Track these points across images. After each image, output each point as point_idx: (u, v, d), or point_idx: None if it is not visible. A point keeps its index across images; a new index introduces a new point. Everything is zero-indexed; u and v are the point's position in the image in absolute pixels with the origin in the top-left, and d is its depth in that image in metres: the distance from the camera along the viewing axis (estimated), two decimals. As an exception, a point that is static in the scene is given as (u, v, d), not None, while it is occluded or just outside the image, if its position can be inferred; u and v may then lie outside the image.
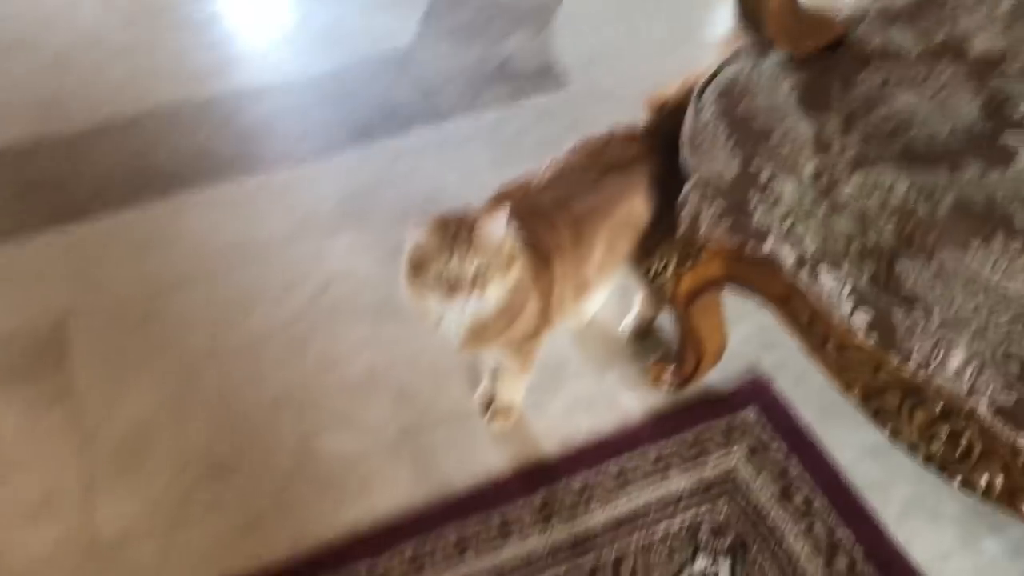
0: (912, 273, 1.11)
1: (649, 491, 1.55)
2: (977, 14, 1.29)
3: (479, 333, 1.41)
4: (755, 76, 1.28)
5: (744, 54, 1.32)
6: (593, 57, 2.51)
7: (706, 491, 1.55)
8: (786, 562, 1.45)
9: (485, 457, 1.63)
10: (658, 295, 1.53)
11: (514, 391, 1.63)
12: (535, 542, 1.50)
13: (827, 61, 1.27)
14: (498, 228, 1.33)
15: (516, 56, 2.53)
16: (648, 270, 1.52)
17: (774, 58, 1.29)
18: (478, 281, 1.32)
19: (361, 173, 2.19)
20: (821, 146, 1.18)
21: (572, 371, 1.75)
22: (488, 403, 1.67)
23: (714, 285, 1.47)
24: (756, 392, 1.67)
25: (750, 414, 1.64)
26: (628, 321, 1.79)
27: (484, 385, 1.68)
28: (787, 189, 1.21)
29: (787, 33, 1.26)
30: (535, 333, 1.50)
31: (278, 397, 1.75)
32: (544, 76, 2.46)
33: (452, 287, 1.31)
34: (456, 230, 1.31)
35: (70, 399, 1.76)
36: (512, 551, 1.49)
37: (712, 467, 1.58)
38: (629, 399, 1.69)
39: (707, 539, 1.49)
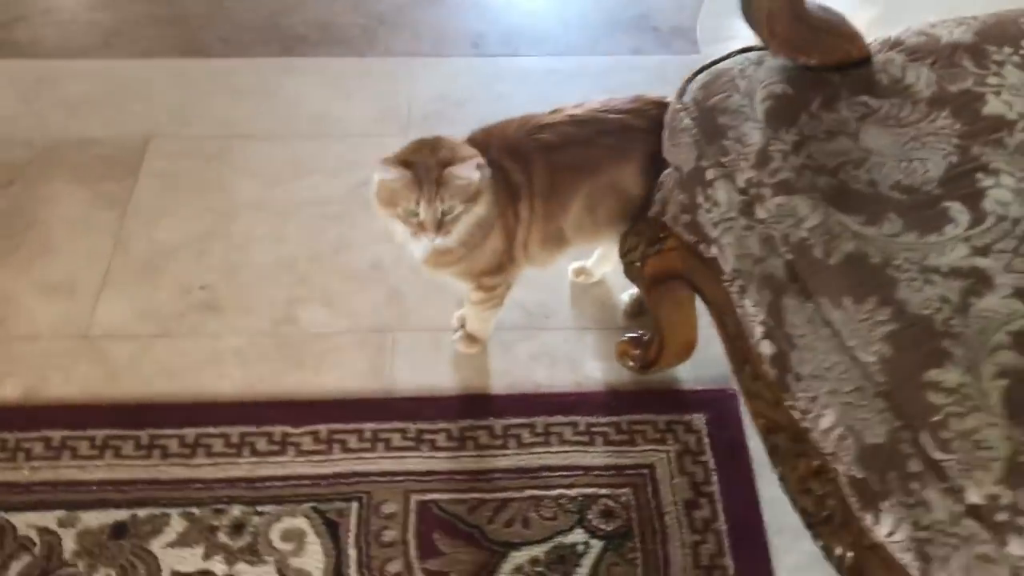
0: (792, 313, 1.08)
1: (562, 456, 1.58)
2: (1016, 74, 1.18)
3: (439, 258, 1.47)
4: (744, 75, 1.24)
5: (751, 52, 1.28)
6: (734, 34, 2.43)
7: (616, 474, 1.55)
8: (658, 566, 1.45)
9: (436, 373, 1.70)
10: (627, 272, 1.53)
11: (479, 322, 1.68)
12: (438, 463, 1.56)
13: (826, 79, 1.21)
14: (468, 175, 1.36)
15: (658, 10, 2.49)
16: (623, 244, 1.51)
17: (773, 63, 1.24)
18: (443, 225, 1.37)
19: (457, 82, 2.26)
20: (761, 160, 1.14)
21: (554, 323, 1.78)
22: (461, 325, 1.72)
23: (675, 277, 1.45)
24: (715, 401, 1.65)
25: (698, 420, 1.63)
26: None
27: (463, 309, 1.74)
28: (721, 195, 1.18)
29: (786, 41, 1.21)
30: (496, 269, 1.54)
31: (286, 259, 1.88)
32: (678, 37, 2.41)
33: (419, 226, 1.38)
34: (426, 170, 1.35)
35: (121, 208, 1.97)
36: (415, 462, 1.56)
37: (633, 456, 1.58)
38: (593, 367, 1.71)
39: (594, 517, 1.50)
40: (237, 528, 1.49)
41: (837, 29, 1.22)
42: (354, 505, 1.52)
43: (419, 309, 1.80)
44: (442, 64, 2.33)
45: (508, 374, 1.70)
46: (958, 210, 1.04)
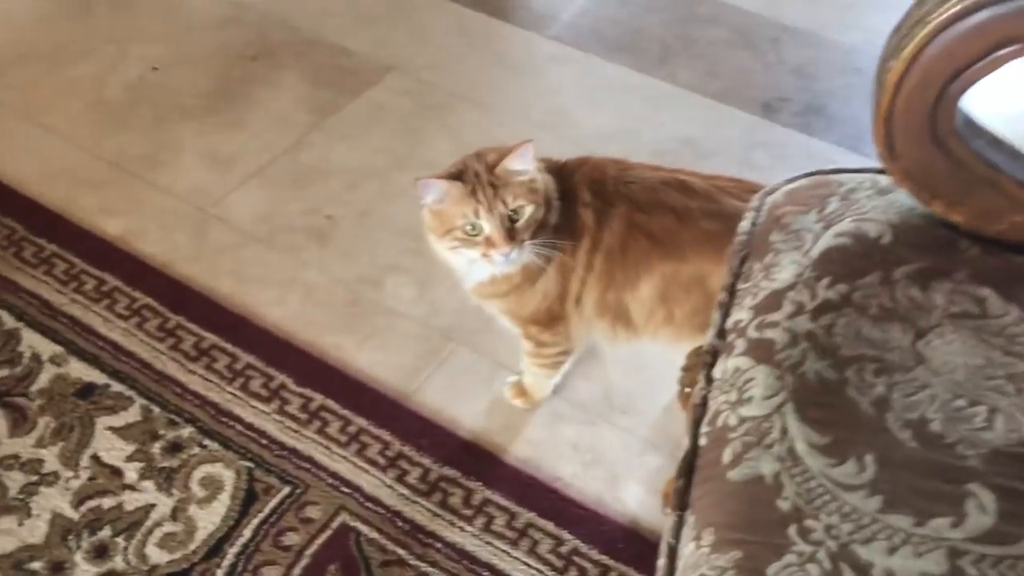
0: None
1: (520, 567, 1.30)
2: None
3: (489, 283, 1.26)
4: (848, 197, 0.88)
5: (885, 176, 0.91)
6: None
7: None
8: None
9: (465, 406, 1.49)
10: (679, 396, 1.20)
11: (532, 377, 1.44)
12: (390, 496, 1.37)
13: (956, 248, 0.82)
14: (523, 164, 1.15)
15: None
16: (686, 360, 1.19)
17: (900, 198, 0.87)
18: (515, 233, 1.18)
19: (718, 132, 1.97)
20: (768, 303, 0.80)
21: (624, 423, 1.48)
22: (520, 372, 1.49)
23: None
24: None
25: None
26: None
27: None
28: (712, 330, 0.85)
29: (910, 170, 0.83)
30: (547, 321, 1.29)
31: (416, 227, 1.75)
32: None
33: (486, 243, 1.19)
34: (476, 175, 1.18)
35: (321, 117, 1.99)
36: (371, 482, 1.38)
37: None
38: (631, 493, 1.40)
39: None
40: (174, 448, 1.41)
41: (1007, 186, 0.82)
42: (285, 489, 1.36)
43: (500, 335, 1.58)
44: (717, 110, 2.04)
45: (535, 447, 1.44)
46: (981, 502, 0.63)
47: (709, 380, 0.77)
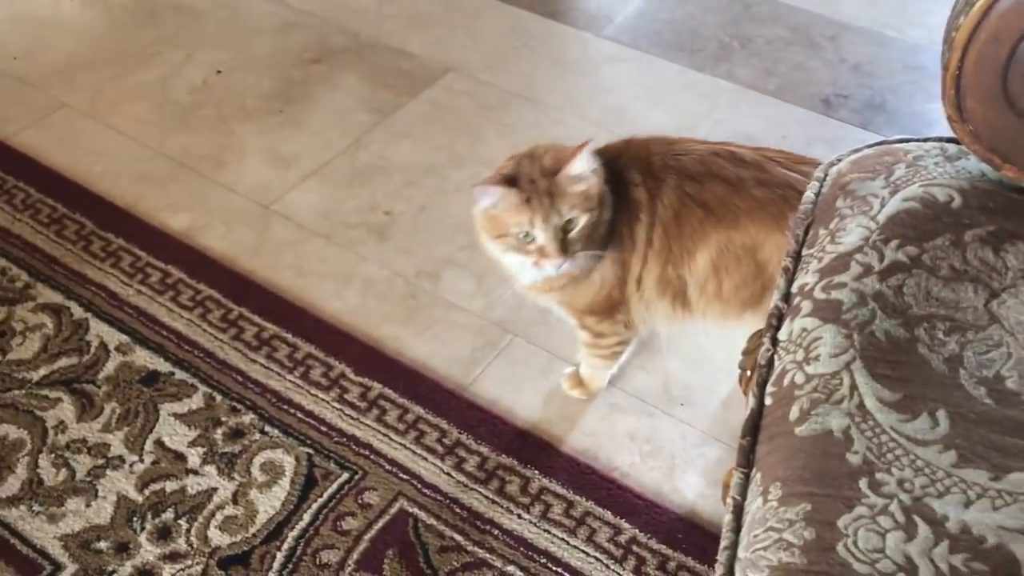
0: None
1: (578, 555, 1.29)
2: None
3: (543, 282, 1.26)
4: (916, 164, 0.87)
5: (954, 144, 0.89)
6: None
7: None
8: None
9: (522, 396, 1.49)
10: (742, 384, 1.19)
11: (589, 368, 1.44)
12: (449, 483, 1.37)
13: (1021, 214, 0.80)
14: (583, 172, 1.14)
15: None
16: (748, 341, 1.17)
17: (971, 165, 0.85)
18: (568, 245, 1.17)
19: (776, 130, 1.95)
20: (836, 266, 0.78)
21: (683, 414, 1.47)
22: (578, 364, 1.49)
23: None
24: None
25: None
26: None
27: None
28: (777, 295, 0.84)
29: (981, 131, 0.82)
30: (605, 310, 1.29)
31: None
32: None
33: (539, 252, 1.18)
34: (532, 183, 1.16)
35: (380, 117, 2.02)
36: (430, 470, 1.39)
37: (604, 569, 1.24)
38: (691, 484, 1.38)
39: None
40: (236, 434, 1.42)
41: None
42: (344, 475, 1.37)
43: (556, 327, 1.58)
44: (775, 106, 2.02)
45: (592, 438, 1.43)
46: (1056, 458, 0.61)
47: (774, 342, 0.76)
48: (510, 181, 1.17)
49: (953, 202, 0.81)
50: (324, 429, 1.43)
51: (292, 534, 1.31)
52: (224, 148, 1.93)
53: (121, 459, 1.39)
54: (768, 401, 0.72)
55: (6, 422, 1.43)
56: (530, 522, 1.32)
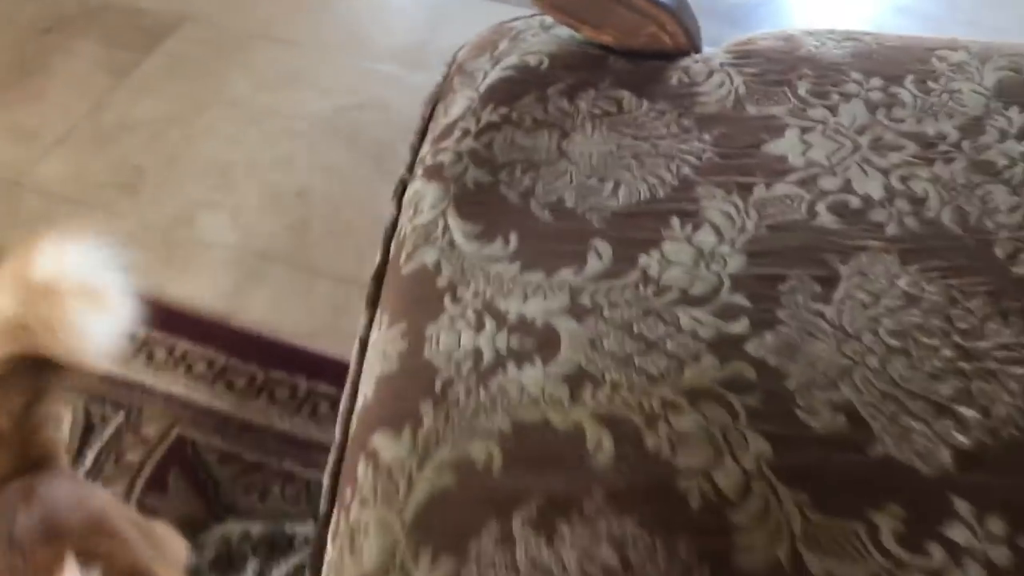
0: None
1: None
2: (854, 112, 0.87)
3: None
4: (518, 38, 1.03)
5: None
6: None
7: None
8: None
9: (290, 317, 1.59)
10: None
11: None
12: (222, 403, 1.47)
13: (604, 65, 0.96)
14: None
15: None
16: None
17: (561, 32, 1.01)
18: None
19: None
20: (442, 135, 0.93)
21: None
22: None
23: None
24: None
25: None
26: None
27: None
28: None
29: (571, 10, 0.96)
30: None
31: (224, 163, 1.86)
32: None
33: None
34: None
35: (119, 77, 2.05)
36: (202, 395, 1.48)
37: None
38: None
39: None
40: (10, 399, 1.48)
41: (639, 5, 0.96)
42: (120, 416, 1.46)
43: (318, 250, 1.69)
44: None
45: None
46: (599, 252, 0.78)
47: (399, 207, 0.90)
48: None
49: (542, 65, 0.96)
50: (96, 379, 1.51)
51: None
52: (-37, 131, 1.94)
53: None
54: (392, 254, 0.86)
55: None
56: (302, 422, 1.45)
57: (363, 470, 0.68)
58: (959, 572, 0.58)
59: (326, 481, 0.73)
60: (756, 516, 0.62)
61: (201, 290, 1.64)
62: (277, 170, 1.83)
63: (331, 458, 0.75)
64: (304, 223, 1.75)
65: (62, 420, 1.43)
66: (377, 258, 0.87)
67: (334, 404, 1.45)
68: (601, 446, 0.66)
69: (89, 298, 1.01)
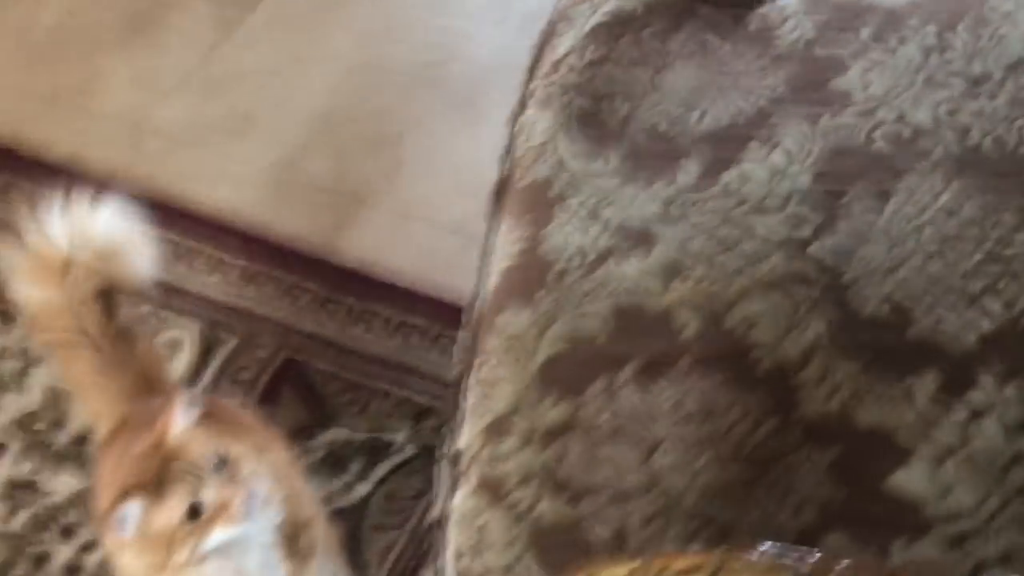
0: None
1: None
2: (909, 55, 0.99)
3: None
4: None
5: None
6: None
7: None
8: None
9: (391, 246, 1.74)
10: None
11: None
12: (319, 327, 1.63)
13: (694, 10, 1.09)
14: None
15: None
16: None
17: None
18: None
19: None
20: (551, 70, 1.07)
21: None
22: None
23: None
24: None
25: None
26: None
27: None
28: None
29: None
30: None
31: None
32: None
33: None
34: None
35: (228, 30, 2.20)
36: (299, 318, 1.65)
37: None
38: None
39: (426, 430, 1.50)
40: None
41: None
42: (235, 340, 1.63)
43: (411, 192, 1.83)
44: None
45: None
46: (688, 168, 0.91)
47: (512, 135, 1.05)
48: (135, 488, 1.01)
49: (637, 11, 1.09)
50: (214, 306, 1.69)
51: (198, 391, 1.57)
52: (91, 79, 2.12)
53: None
54: (507, 173, 1.01)
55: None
56: (394, 347, 1.61)
57: (492, 342, 0.82)
58: (978, 425, 0.72)
59: (460, 345, 0.88)
60: (815, 379, 0.75)
61: (304, 228, 1.80)
62: (373, 119, 1.98)
63: (461, 333, 0.90)
64: (398, 168, 1.90)
65: (183, 343, 1.62)
66: (501, 174, 1.01)
67: (423, 333, 1.61)
68: (688, 324, 0.80)
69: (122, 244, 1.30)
